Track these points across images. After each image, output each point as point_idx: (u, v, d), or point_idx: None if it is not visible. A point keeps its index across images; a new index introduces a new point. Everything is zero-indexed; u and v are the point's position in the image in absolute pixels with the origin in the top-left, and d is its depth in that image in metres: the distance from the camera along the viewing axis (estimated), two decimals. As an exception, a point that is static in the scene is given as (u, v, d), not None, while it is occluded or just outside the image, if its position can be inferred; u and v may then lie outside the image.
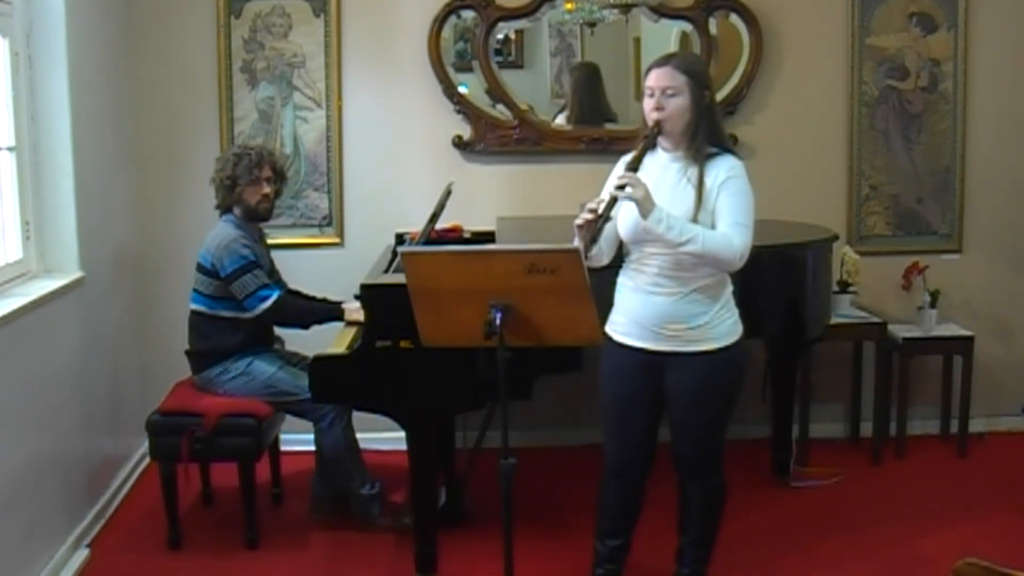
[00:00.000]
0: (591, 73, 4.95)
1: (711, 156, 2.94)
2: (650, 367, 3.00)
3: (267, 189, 3.92)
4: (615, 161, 3.15)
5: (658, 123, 2.89)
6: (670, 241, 2.81)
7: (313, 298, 4.11)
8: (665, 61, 2.93)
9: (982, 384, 4.88)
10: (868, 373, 4.79)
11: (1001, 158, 4.88)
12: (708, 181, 2.91)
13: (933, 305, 4.68)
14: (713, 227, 2.88)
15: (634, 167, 2.85)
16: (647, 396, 3.05)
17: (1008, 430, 5.01)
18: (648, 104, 2.92)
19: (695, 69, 2.95)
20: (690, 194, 2.90)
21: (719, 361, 2.97)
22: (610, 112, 4.89)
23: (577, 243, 2.79)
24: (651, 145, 2.91)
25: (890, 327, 4.63)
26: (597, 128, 4.82)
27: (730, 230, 2.86)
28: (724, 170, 2.92)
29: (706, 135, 2.94)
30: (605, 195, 2.96)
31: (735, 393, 3.08)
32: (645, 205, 2.78)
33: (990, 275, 4.94)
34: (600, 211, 2.76)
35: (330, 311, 3.93)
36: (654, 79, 2.91)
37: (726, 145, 3.01)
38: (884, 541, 3.83)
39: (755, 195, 2.97)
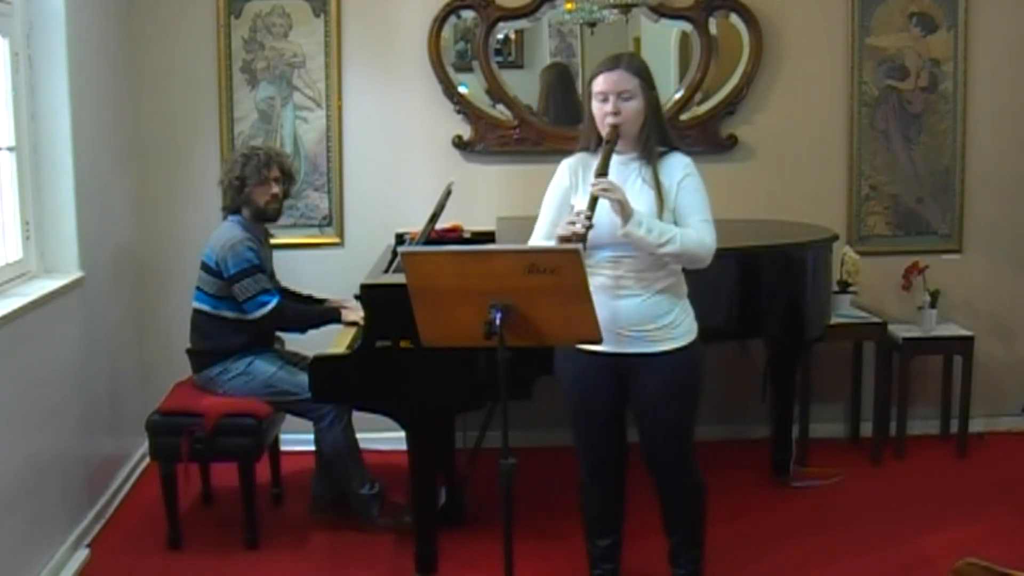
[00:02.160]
0: (560, 73, 4.94)
1: (661, 155, 2.95)
2: (612, 370, 2.99)
3: (276, 189, 3.93)
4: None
5: (616, 128, 2.88)
6: (649, 243, 2.81)
7: (304, 296, 4.14)
8: (615, 64, 2.91)
9: (982, 384, 4.88)
10: (868, 373, 4.79)
11: (1001, 158, 4.87)
12: (665, 180, 2.91)
13: (933, 305, 4.68)
14: (676, 226, 2.88)
15: (603, 172, 2.81)
16: (612, 397, 3.06)
17: (1008, 430, 5.00)
18: (602, 109, 2.90)
19: (643, 70, 2.94)
20: (649, 195, 2.90)
21: (681, 360, 2.98)
22: (582, 112, 4.86)
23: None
24: (612, 150, 2.88)
25: (890, 327, 4.63)
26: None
27: (701, 228, 2.88)
28: (679, 168, 2.93)
29: (657, 135, 2.94)
30: (551, 204, 2.99)
31: (699, 390, 3.08)
32: (627, 208, 2.78)
33: (990, 275, 4.94)
34: (582, 221, 2.72)
35: (328, 314, 3.94)
36: (606, 83, 2.89)
37: (672, 143, 3.01)
38: (884, 541, 3.83)
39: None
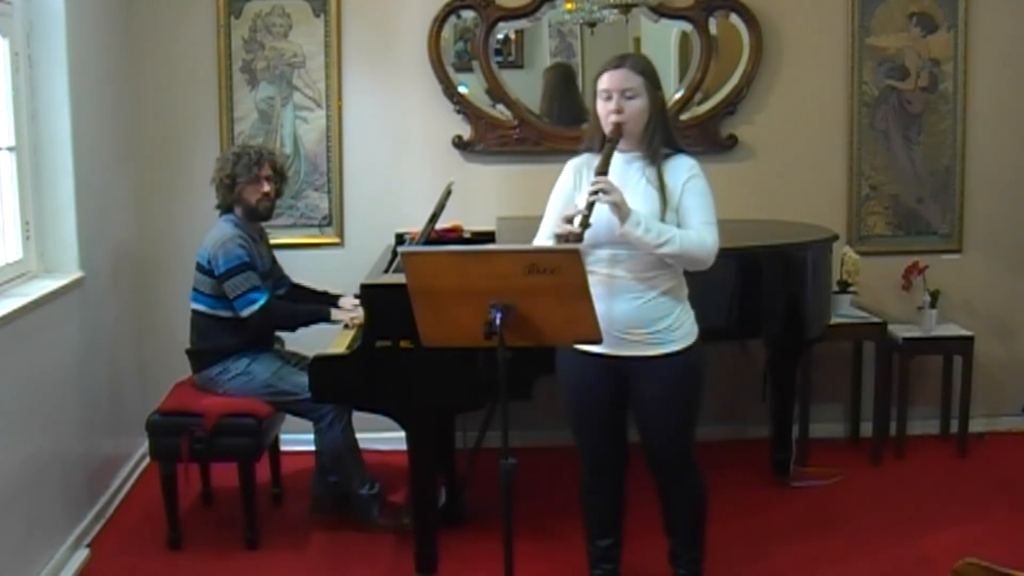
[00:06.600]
0: (563, 74, 4.94)
1: (667, 156, 2.95)
2: (613, 371, 2.98)
3: (267, 188, 3.92)
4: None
5: (619, 126, 2.88)
6: (647, 244, 2.80)
7: (320, 292, 4.15)
8: (620, 63, 2.92)
9: (982, 384, 4.88)
10: (868, 373, 4.79)
11: (1001, 158, 4.88)
12: (669, 181, 2.91)
13: (933, 305, 4.68)
14: (679, 227, 2.87)
15: (603, 171, 2.81)
16: (613, 399, 3.05)
17: (1008, 430, 5.00)
18: (605, 107, 2.90)
19: (649, 69, 2.95)
20: (653, 195, 2.90)
21: (682, 363, 2.97)
22: (585, 113, 4.87)
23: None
24: (614, 148, 2.89)
25: (890, 327, 4.63)
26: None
27: (702, 229, 2.88)
28: (684, 170, 2.93)
29: (661, 135, 2.94)
30: (556, 205, 2.98)
31: (699, 392, 3.08)
32: (623, 209, 2.77)
33: (990, 275, 4.94)
34: (580, 221, 2.72)
35: (316, 314, 3.94)
36: (610, 81, 2.89)
37: (678, 144, 3.01)
38: (884, 541, 3.83)
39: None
